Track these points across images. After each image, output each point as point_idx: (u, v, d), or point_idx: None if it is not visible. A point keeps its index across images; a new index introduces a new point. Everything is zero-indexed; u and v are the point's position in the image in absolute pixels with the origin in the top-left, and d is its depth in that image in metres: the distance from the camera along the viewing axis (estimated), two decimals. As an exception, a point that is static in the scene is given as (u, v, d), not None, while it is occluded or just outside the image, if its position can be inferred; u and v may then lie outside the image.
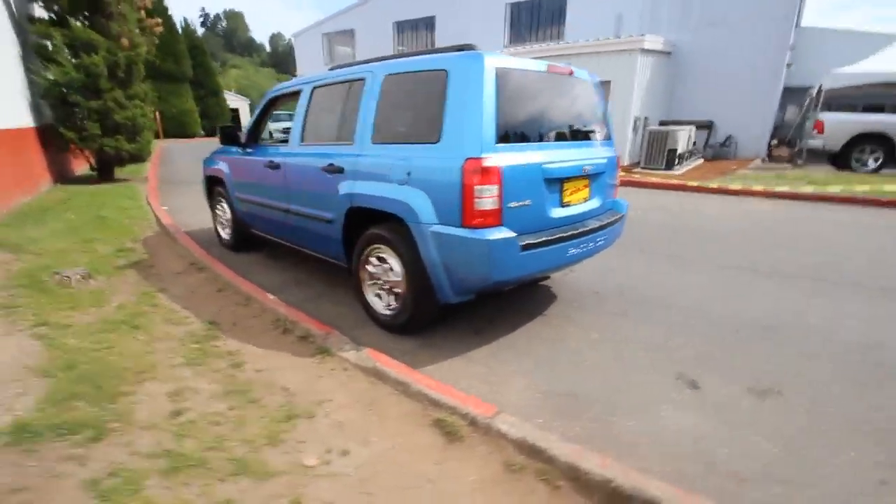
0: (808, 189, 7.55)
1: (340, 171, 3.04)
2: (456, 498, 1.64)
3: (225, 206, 4.78)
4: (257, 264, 4.43)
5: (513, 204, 2.49)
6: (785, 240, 5.17)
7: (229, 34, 77.82)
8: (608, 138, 3.33)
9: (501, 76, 2.48)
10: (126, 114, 8.42)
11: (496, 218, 2.43)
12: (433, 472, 1.75)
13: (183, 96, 25.18)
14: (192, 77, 26.82)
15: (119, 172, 9.45)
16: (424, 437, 1.94)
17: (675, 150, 11.38)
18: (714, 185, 8.21)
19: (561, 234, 2.68)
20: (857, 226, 5.81)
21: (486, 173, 2.35)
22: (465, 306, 3.27)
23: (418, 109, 2.70)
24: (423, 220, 2.54)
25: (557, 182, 2.74)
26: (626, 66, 12.98)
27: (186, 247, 4.69)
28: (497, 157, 2.40)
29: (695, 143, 13.48)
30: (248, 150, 4.23)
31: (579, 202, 2.94)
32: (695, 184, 8.42)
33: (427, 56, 2.76)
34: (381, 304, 3.02)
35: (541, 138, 2.70)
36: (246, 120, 43.48)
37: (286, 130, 5.65)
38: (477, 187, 2.35)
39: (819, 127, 10.36)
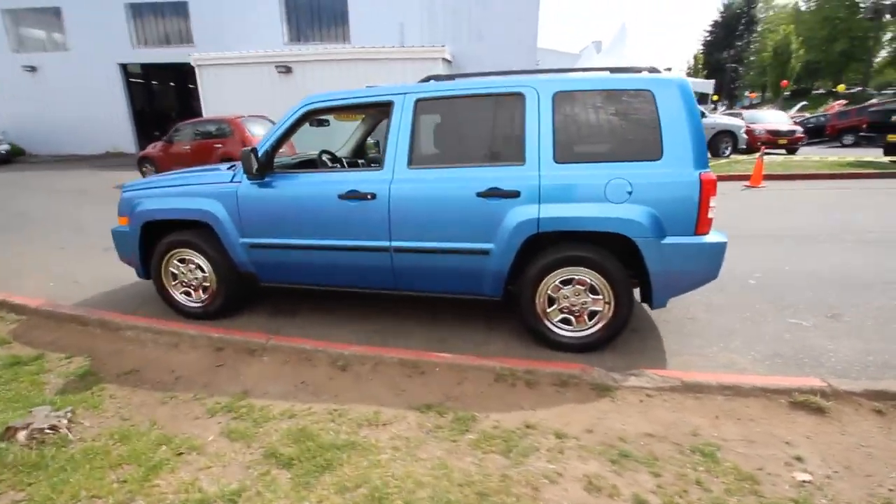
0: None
1: (514, 195, 2.75)
2: (886, 444, 2.02)
3: (200, 261, 3.41)
4: (276, 326, 3.38)
5: None
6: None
7: None
8: None
9: None
10: None
11: (712, 223, 2.76)
12: (852, 441, 2.07)
13: None
14: None
15: None
16: (805, 420, 2.20)
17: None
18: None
19: None
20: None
21: (713, 185, 2.64)
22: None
23: (621, 127, 2.73)
24: (652, 234, 2.64)
25: None
26: (431, 72, 14.05)
27: (162, 328, 3.17)
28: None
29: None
30: (267, 181, 3.16)
31: None
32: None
33: (612, 76, 2.80)
34: (569, 327, 2.93)
35: None
36: None
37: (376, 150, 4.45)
38: (712, 198, 2.63)
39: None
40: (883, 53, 40.62)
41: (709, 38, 55.00)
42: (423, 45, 14.38)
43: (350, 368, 2.70)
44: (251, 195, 3.18)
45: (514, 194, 2.76)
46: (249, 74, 14.42)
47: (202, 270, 3.46)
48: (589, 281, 2.83)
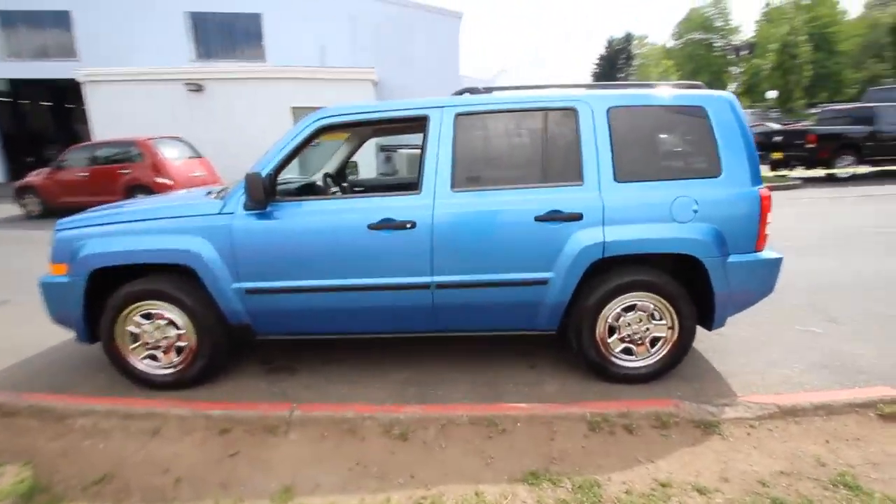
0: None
1: (576, 217, 2.49)
2: None
3: (174, 314, 2.68)
4: (278, 389, 2.78)
5: None
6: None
7: None
8: None
9: None
10: None
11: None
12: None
13: None
14: None
15: None
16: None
17: (429, 169, 13.04)
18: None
19: None
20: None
21: (770, 201, 2.61)
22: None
23: (677, 144, 2.62)
24: (719, 253, 2.53)
25: None
26: (361, 95, 13.66)
27: (133, 410, 2.40)
28: (761, 185, 2.69)
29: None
30: (270, 211, 2.58)
31: None
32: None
33: (663, 92, 2.68)
34: (630, 357, 2.71)
35: None
36: None
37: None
38: (769, 214, 2.59)
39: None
40: (734, 85, 47.96)
41: (597, 70, 61.00)
42: (352, 66, 13.93)
43: (412, 436, 2.20)
44: (251, 229, 2.57)
45: (577, 217, 2.50)
46: (153, 92, 12.86)
47: (176, 327, 2.72)
48: (652, 306, 2.65)
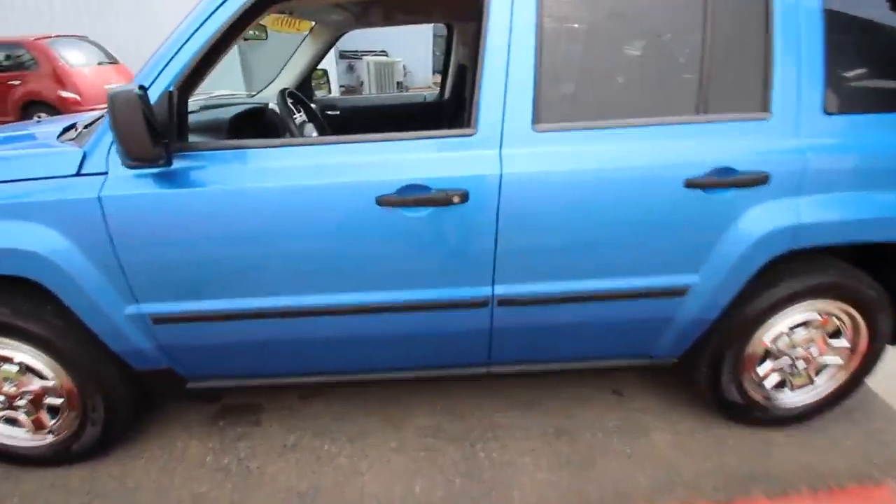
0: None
1: (758, 181, 1.38)
2: None
3: (25, 355, 1.50)
4: (237, 452, 1.73)
5: None
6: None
7: None
8: None
9: None
10: None
11: None
12: None
13: None
14: None
15: None
16: None
17: (401, 81, 11.23)
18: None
19: None
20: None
21: None
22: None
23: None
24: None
25: None
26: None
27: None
28: None
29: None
30: (180, 169, 1.32)
31: None
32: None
33: None
34: (783, 390, 1.78)
35: None
36: None
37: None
38: None
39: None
40: None
41: None
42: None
43: None
44: (139, 205, 1.31)
45: (760, 180, 1.38)
46: (44, -24, 10.04)
47: (36, 374, 1.55)
48: (836, 320, 1.66)
